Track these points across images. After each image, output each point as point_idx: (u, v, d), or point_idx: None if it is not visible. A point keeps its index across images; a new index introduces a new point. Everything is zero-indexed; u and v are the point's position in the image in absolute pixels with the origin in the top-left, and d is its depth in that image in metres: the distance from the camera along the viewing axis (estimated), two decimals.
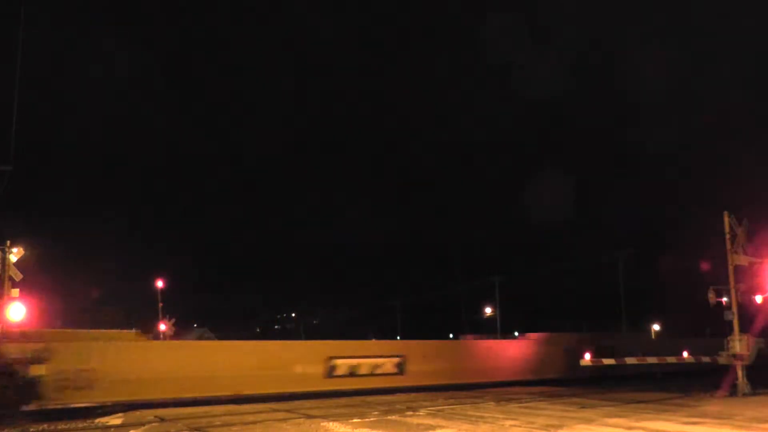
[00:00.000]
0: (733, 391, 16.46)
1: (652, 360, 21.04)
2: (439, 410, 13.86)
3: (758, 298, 17.20)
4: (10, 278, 19.97)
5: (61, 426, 12.36)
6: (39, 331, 16.78)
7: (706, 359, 19.20)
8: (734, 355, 16.81)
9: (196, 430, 11.55)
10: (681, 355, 21.82)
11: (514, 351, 23.84)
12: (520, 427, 11.20)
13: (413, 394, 18.13)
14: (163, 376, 16.32)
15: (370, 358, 19.88)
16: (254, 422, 12.22)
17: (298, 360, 18.86)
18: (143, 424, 12.26)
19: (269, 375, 18.05)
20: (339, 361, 19.04)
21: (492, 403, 15.37)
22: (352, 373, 19.25)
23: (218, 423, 12.30)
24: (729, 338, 17.15)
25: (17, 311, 19.22)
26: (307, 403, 15.72)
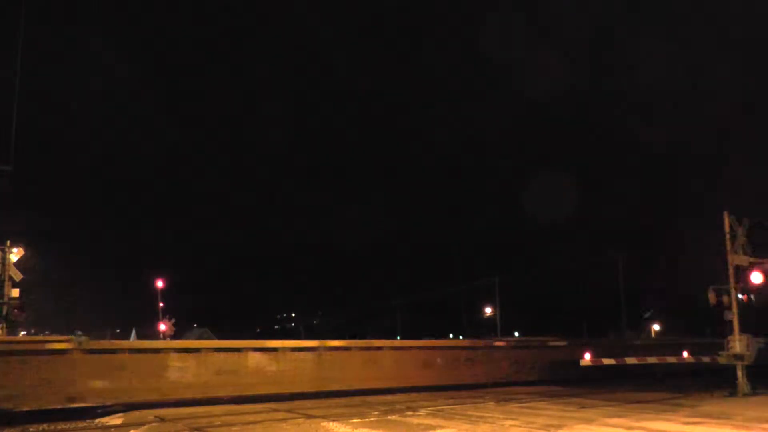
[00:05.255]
0: (733, 391, 16.46)
1: (652, 360, 21.05)
2: (439, 410, 13.86)
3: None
4: (10, 278, 20.00)
5: (61, 426, 12.35)
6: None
7: (706, 359, 19.21)
8: (734, 355, 16.81)
9: (196, 430, 11.55)
10: (681, 355, 21.84)
11: None
12: (519, 427, 11.21)
13: (413, 394, 18.13)
14: None
15: None
16: (254, 422, 12.22)
17: None
18: (143, 424, 12.25)
19: None
20: None
21: (492, 403, 15.37)
22: None
23: (218, 423, 12.30)
24: (729, 338, 17.15)
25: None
26: (308, 403, 15.72)
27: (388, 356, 19.68)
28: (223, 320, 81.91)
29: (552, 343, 24.23)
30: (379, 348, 19.88)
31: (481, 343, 23.22)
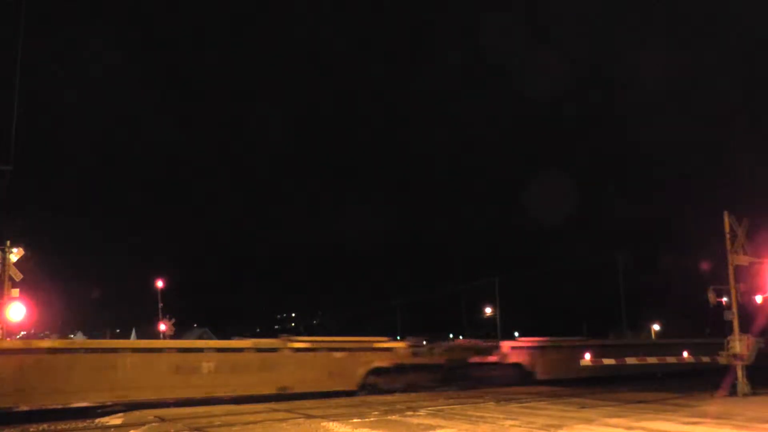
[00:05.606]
0: (733, 391, 16.46)
1: (652, 360, 21.02)
2: (439, 410, 13.87)
3: (758, 298, 17.17)
4: (10, 278, 19.99)
5: (61, 426, 12.35)
6: None
7: (706, 359, 19.21)
8: (734, 355, 16.81)
9: (196, 430, 11.55)
10: (681, 355, 21.81)
11: None
12: (520, 427, 11.21)
13: (413, 394, 18.14)
14: None
15: None
16: (254, 422, 12.22)
17: None
18: (143, 424, 12.25)
19: None
20: None
21: (492, 403, 15.37)
22: None
23: (218, 423, 12.30)
24: (729, 338, 17.15)
25: (17, 311, 19.25)
26: (307, 403, 15.73)
27: (128, 360, 15.56)
28: (223, 320, 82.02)
29: (379, 345, 19.97)
30: (114, 350, 15.93)
31: (271, 343, 18.84)
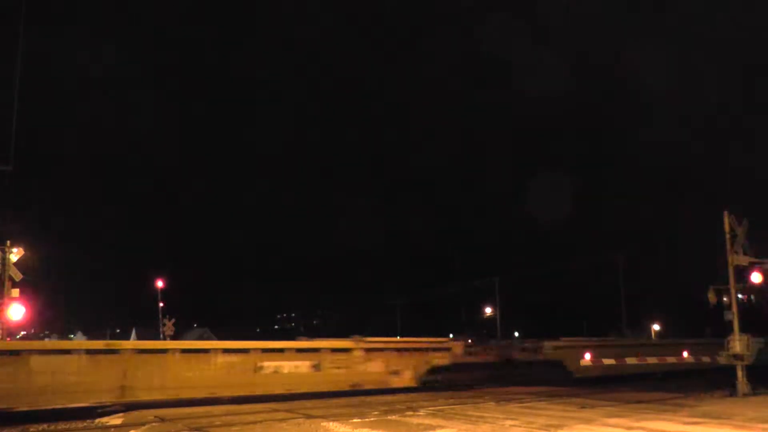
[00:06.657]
0: (733, 391, 16.45)
1: (652, 360, 21.05)
2: (439, 410, 13.86)
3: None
4: (10, 278, 20.00)
5: (61, 426, 12.34)
6: None
7: (706, 359, 19.24)
8: (734, 355, 16.80)
9: (196, 430, 11.54)
10: (681, 355, 21.85)
11: None
12: (520, 427, 11.21)
13: (413, 394, 18.12)
14: None
15: None
16: (254, 422, 12.22)
17: None
18: (143, 424, 12.25)
19: None
20: None
21: (492, 403, 15.37)
22: None
23: (218, 423, 12.29)
24: (729, 338, 17.14)
25: (17, 311, 19.23)
26: (308, 403, 15.71)
27: None
28: (223, 320, 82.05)
29: None
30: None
31: None
